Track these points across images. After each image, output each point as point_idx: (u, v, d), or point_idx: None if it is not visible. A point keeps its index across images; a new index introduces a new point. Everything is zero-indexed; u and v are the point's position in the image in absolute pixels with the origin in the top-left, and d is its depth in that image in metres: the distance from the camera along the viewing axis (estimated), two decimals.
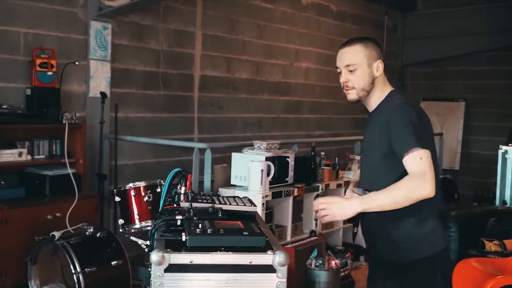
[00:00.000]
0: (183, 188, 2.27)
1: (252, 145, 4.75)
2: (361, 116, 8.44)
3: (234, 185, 4.64)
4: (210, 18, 5.94)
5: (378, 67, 2.37)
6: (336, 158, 5.38)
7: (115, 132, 4.57)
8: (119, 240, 4.03)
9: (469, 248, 4.64)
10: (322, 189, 5.04)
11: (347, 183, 5.34)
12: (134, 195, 3.94)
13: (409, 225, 2.30)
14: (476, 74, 8.28)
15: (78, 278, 3.63)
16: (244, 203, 2.13)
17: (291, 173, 4.80)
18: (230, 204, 2.08)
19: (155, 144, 5.31)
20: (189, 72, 5.82)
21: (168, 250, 1.63)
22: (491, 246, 4.64)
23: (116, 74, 5.12)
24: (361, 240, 5.78)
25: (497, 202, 5.53)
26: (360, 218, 2.49)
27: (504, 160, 5.50)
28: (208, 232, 1.71)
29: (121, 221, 3.97)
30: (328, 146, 6.85)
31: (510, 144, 5.59)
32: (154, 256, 1.60)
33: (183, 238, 1.70)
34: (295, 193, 4.76)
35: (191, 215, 1.92)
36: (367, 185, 2.40)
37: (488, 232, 4.91)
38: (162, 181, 4.08)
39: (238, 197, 2.30)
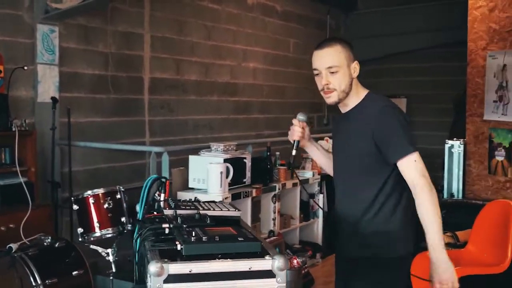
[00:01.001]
0: (162, 195, 2.22)
1: (209, 147, 4.72)
2: (309, 114, 8.55)
3: (193, 188, 4.60)
4: (158, 20, 5.86)
5: (355, 68, 2.38)
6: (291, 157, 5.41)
7: (68, 138, 4.45)
8: (78, 250, 3.92)
9: (423, 241, 4.78)
10: (279, 189, 5.06)
11: (303, 182, 5.40)
12: (93, 203, 3.83)
13: (392, 221, 2.34)
14: (416, 71, 8.53)
15: None
16: (227, 208, 2.11)
17: (248, 174, 4.80)
18: (214, 209, 2.06)
19: (107, 149, 5.20)
20: (139, 75, 5.72)
21: (166, 260, 1.59)
22: (444, 238, 4.78)
23: (64, 78, 4.97)
24: (317, 237, 5.87)
25: (445, 195, 5.71)
26: (334, 216, 2.52)
27: (451, 154, 5.68)
28: (204, 240, 1.68)
29: (80, 230, 3.85)
30: (278, 145, 6.88)
31: (455, 139, 5.79)
32: (153, 268, 1.56)
33: (178, 247, 1.67)
34: (254, 194, 4.77)
35: (179, 223, 1.89)
36: (344, 185, 2.45)
37: None
38: (121, 187, 4.00)
39: (214, 201, 2.29)
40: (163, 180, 2.25)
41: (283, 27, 7.78)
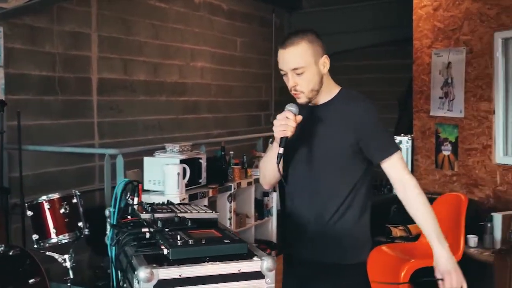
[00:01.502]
0: (135, 198, 2.18)
1: (163, 148, 4.67)
2: (255, 113, 8.60)
3: (148, 190, 4.54)
4: (105, 19, 5.74)
5: (325, 63, 2.24)
6: (244, 156, 5.43)
7: (18, 142, 4.30)
8: (33, 257, 3.80)
9: (376, 236, 4.90)
10: (234, 188, 5.07)
11: (257, 181, 5.42)
12: (48, 208, 3.74)
13: (359, 225, 2.31)
14: (361, 69, 8.68)
15: None
16: (204, 210, 2.10)
17: (204, 174, 4.79)
18: (191, 212, 2.04)
19: (55, 152, 5.05)
20: (87, 75, 5.59)
21: (155, 265, 1.57)
22: (397, 231, 4.92)
23: (10, 80, 4.80)
24: (271, 235, 5.91)
25: (394, 190, 5.84)
26: (291, 218, 2.37)
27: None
28: (190, 243, 1.67)
29: (35, 237, 3.75)
30: (230, 144, 6.88)
31: (402, 134, 5.96)
32: (142, 273, 1.53)
33: (165, 251, 1.65)
34: (210, 194, 4.76)
35: (160, 226, 1.86)
36: (311, 183, 2.27)
37: (392, 219, 5.21)
38: (77, 192, 3.91)
39: (189, 204, 2.27)
40: (135, 183, 2.20)
41: (229, 26, 7.78)
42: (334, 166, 2.23)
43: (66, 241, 3.78)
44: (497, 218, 4.42)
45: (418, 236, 4.74)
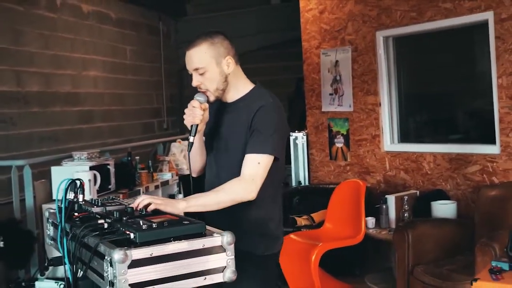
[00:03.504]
0: (80, 196, 2.25)
1: (71, 156, 4.65)
2: (149, 120, 8.64)
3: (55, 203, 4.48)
4: None
5: (229, 63, 2.31)
6: (150, 161, 5.50)
7: None
8: None
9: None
10: (143, 192, 5.12)
11: (163, 184, 5.50)
12: None
13: (270, 218, 2.39)
14: (250, 71, 8.99)
15: None
16: None
17: (113, 180, 4.80)
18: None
19: None
20: None
21: (126, 247, 1.68)
22: (301, 221, 5.23)
23: None
24: None
25: (294, 183, 6.20)
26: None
27: (295, 145, 6.19)
28: (154, 226, 1.79)
29: None
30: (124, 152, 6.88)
31: (296, 131, 6.30)
32: (117, 255, 1.64)
33: (131, 235, 1.76)
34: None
35: (117, 217, 1.97)
36: (220, 178, 2.33)
37: (295, 210, 5.53)
38: None
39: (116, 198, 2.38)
40: (78, 182, 2.27)
41: (119, 35, 7.78)
42: (234, 160, 2.30)
43: None
44: (391, 199, 4.85)
45: (321, 223, 5.08)
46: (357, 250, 4.83)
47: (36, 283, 4.11)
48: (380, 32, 5.37)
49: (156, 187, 5.40)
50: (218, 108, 2.44)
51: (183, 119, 2.33)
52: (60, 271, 4.41)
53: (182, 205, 2.10)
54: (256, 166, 2.23)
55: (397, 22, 5.25)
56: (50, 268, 4.36)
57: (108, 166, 4.75)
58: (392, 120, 5.50)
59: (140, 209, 2.04)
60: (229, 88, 2.37)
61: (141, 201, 2.08)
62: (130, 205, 2.10)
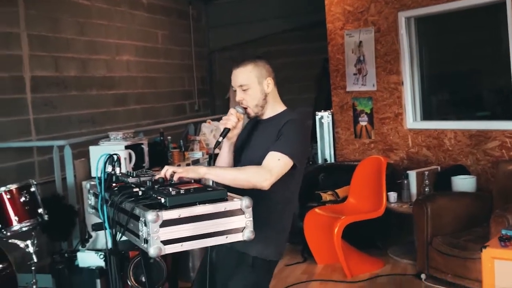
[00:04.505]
0: (117, 169, 2.53)
1: (107, 136, 4.95)
2: (181, 102, 8.93)
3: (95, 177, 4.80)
4: (33, 18, 5.89)
5: (269, 83, 2.59)
6: (181, 141, 5.78)
7: None
8: None
9: (308, 202, 5.41)
10: None
11: (194, 162, 5.78)
12: (8, 198, 3.96)
13: (277, 229, 2.55)
14: (277, 53, 9.18)
15: None
16: None
17: (146, 158, 5.09)
18: None
19: None
20: (20, 74, 5.74)
21: (158, 209, 1.94)
22: (326, 196, 5.45)
23: None
24: None
25: (320, 160, 6.41)
26: None
27: (321, 124, 6.39)
28: (181, 192, 2.05)
29: None
30: (170, 131, 7.16)
31: (322, 111, 6.50)
32: (150, 216, 1.90)
33: (162, 200, 2.02)
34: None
35: (149, 186, 2.24)
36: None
37: (321, 186, 5.75)
38: (34, 181, 4.15)
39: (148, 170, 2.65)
40: (115, 156, 2.54)
41: (150, 20, 8.05)
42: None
43: (27, 228, 4.01)
44: (412, 175, 5.04)
45: (345, 198, 5.30)
46: (380, 224, 5.03)
47: (78, 254, 4.44)
48: (402, 13, 5.51)
49: (188, 165, 5.68)
50: (253, 126, 2.70)
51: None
52: (100, 242, 4.74)
53: (202, 170, 2.34)
54: (276, 161, 2.40)
55: (419, 3, 5.38)
56: (91, 240, 4.70)
57: (142, 145, 5.04)
58: (415, 99, 5.65)
59: (166, 177, 2.30)
60: (267, 106, 2.64)
61: (166, 171, 2.33)
62: (158, 175, 2.35)
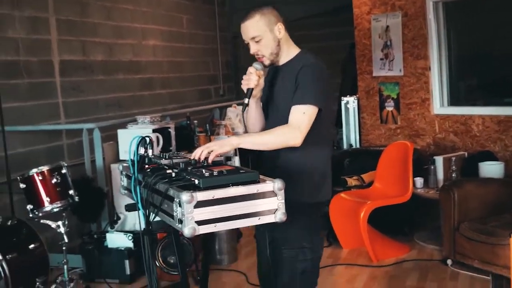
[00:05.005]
0: (150, 151, 2.57)
1: (135, 120, 5.00)
2: (206, 87, 8.97)
3: (124, 160, 4.87)
4: (61, 3, 5.94)
5: (279, 29, 2.57)
6: (207, 125, 5.81)
7: (1, 124, 4.55)
8: (30, 225, 4.11)
9: (333, 187, 5.41)
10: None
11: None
12: (40, 180, 4.03)
13: (318, 171, 2.60)
14: (302, 38, 9.16)
15: (1, 265, 3.68)
16: None
17: (173, 142, 5.15)
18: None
19: (24, 133, 5.28)
20: (48, 58, 5.81)
21: (192, 190, 1.97)
22: (351, 181, 5.45)
23: None
24: None
25: (345, 145, 6.41)
26: (263, 163, 2.67)
27: (347, 109, 6.38)
28: (215, 174, 2.08)
29: (29, 207, 4.03)
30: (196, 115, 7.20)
31: (348, 96, 6.48)
32: (185, 196, 1.93)
33: (196, 182, 2.05)
34: None
35: (182, 167, 2.27)
36: (276, 121, 2.55)
37: (346, 171, 5.75)
38: (64, 163, 4.22)
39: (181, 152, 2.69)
40: (147, 139, 2.58)
41: (175, 4, 8.07)
42: (284, 121, 2.50)
43: (58, 208, 4.09)
44: (439, 160, 5.02)
45: (371, 183, 5.29)
46: (406, 209, 5.02)
47: (107, 235, 4.53)
48: None
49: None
50: (272, 76, 2.72)
51: (241, 85, 2.61)
52: (128, 224, 4.82)
53: (235, 141, 2.37)
54: (301, 115, 2.43)
55: None
56: (119, 221, 4.78)
57: (169, 129, 5.09)
58: (442, 84, 5.61)
59: (202, 160, 2.31)
60: (281, 52, 2.62)
61: (200, 153, 2.35)
62: (192, 156, 2.37)
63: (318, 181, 2.61)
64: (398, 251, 4.81)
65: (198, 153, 2.36)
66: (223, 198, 2.01)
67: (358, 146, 6.28)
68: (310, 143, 2.48)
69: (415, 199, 4.92)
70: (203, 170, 2.13)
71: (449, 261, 4.39)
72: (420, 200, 4.99)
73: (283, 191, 2.10)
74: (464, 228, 4.26)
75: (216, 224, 2.01)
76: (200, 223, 1.97)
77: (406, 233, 5.24)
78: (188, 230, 1.96)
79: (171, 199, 2.06)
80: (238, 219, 2.04)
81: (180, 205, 1.98)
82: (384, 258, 4.68)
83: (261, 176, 2.17)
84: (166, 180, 2.18)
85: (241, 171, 2.16)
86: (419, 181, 5.02)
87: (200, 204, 1.97)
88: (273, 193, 2.09)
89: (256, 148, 2.43)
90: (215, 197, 2.00)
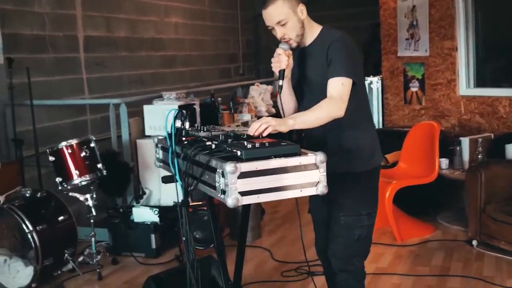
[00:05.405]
0: (187, 123, 2.57)
1: (161, 96, 5.02)
2: (226, 65, 8.95)
3: (149, 136, 4.89)
4: None
5: (302, 10, 2.56)
6: (231, 103, 5.82)
7: (30, 98, 4.58)
8: (58, 197, 4.15)
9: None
10: None
11: (244, 124, 5.83)
12: (69, 153, 4.07)
13: (365, 140, 2.65)
14: (324, 18, 9.09)
15: (32, 236, 3.74)
16: (243, 127, 2.50)
17: (198, 119, 5.16)
18: (238, 130, 2.45)
19: (49, 107, 5.31)
20: (73, 34, 5.82)
21: (235, 161, 1.98)
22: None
23: (5, 40, 5.01)
24: None
25: None
26: (306, 138, 2.74)
27: (370, 89, 6.34)
28: (257, 146, 2.08)
29: (58, 179, 4.09)
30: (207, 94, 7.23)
31: (371, 76, 6.44)
32: (229, 167, 1.94)
33: (238, 153, 2.06)
34: None
35: (222, 139, 2.27)
36: (313, 98, 2.56)
37: None
38: (93, 137, 4.25)
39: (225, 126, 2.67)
40: (184, 112, 2.59)
41: None
42: (319, 98, 2.50)
43: (87, 182, 4.13)
44: (465, 141, 4.98)
45: (394, 164, 5.27)
46: (431, 190, 5.00)
47: (133, 209, 4.56)
48: None
49: (237, 126, 5.73)
50: (299, 55, 2.70)
51: (272, 67, 2.59)
52: (153, 199, 4.86)
53: (290, 122, 2.35)
54: (340, 87, 2.45)
55: None
56: (144, 196, 4.81)
57: (194, 106, 5.09)
58: (469, 65, 5.55)
59: (255, 135, 2.27)
60: (306, 32, 2.62)
61: (258, 126, 2.29)
62: (247, 132, 2.32)
63: (368, 151, 2.67)
64: (423, 231, 4.81)
65: (257, 126, 2.31)
66: (265, 169, 2.01)
67: (381, 126, 6.25)
68: (352, 114, 2.51)
69: (440, 180, 4.90)
70: (245, 142, 2.13)
71: (474, 242, 4.38)
72: (445, 181, 4.97)
73: (325, 164, 2.10)
74: (490, 210, 4.24)
75: (259, 195, 2.01)
76: (243, 193, 1.98)
77: (430, 214, 5.23)
78: (231, 200, 1.96)
79: (213, 170, 2.07)
80: (281, 190, 2.05)
81: (223, 176, 1.98)
82: (409, 238, 4.68)
83: (302, 150, 2.16)
84: (207, 151, 2.18)
85: (283, 143, 2.16)
86: (445, 162, 5.00)
87: (244, 175, 1.98)
88: (315, 166, 2.09)
89: (308, 126, 2.43)
90: (258, 169, 2.00)
